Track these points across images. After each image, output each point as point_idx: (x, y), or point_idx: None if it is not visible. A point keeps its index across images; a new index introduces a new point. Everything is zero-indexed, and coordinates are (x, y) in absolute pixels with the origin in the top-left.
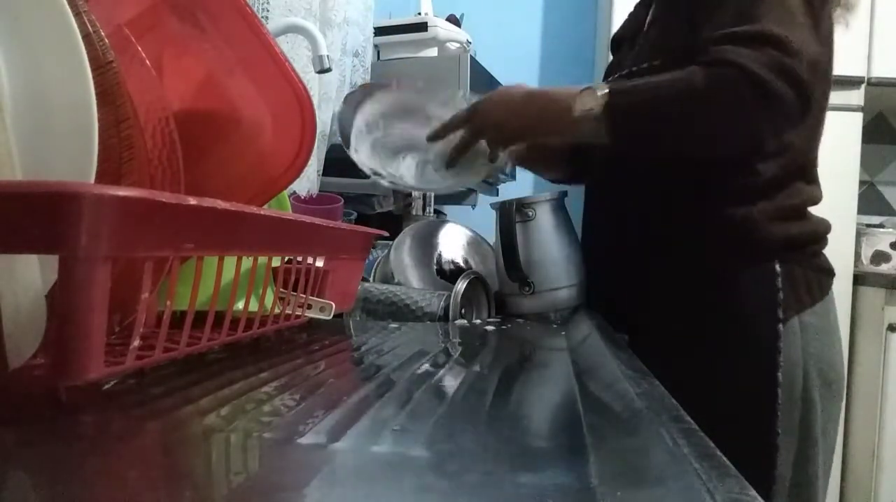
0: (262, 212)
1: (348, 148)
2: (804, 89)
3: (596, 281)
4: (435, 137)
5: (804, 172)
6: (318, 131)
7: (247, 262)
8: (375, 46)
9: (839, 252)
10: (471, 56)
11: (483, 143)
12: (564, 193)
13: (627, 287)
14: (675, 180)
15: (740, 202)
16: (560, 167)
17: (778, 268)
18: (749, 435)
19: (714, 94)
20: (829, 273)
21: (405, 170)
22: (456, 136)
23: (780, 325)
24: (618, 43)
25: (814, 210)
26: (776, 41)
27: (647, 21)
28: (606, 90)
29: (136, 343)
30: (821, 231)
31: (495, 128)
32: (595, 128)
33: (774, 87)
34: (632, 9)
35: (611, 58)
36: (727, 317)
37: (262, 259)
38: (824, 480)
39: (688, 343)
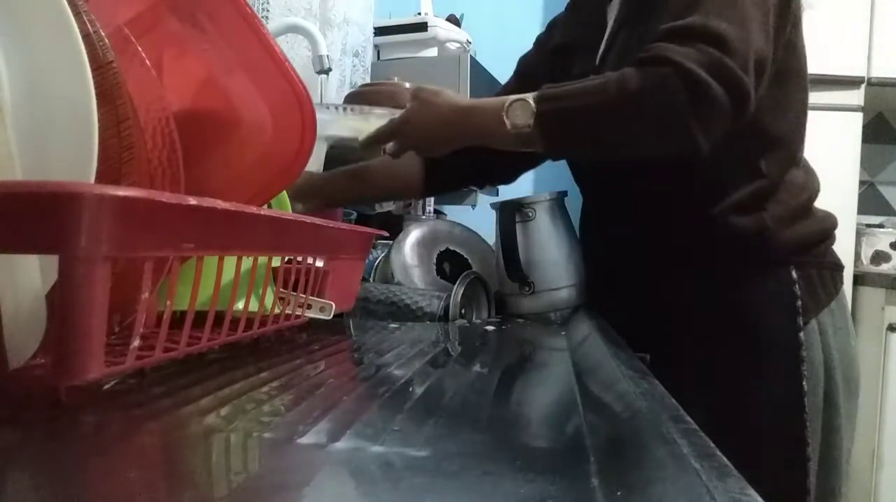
0: (262, 212)
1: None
2: (739, 88)
3: (606, 299)
4: (366, 147)
5: (796, 160)
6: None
7: (247, 262)
8: (375, 46)
9: (839, 252)
10: (471, 56)
11: None
12: (564, 193)
13: (644, 303)
14: (680, 189)
15: (751, 208)
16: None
17: (794, 273)
18: (782, 449)
19: (644, 94)
20: (839, 268)
21: None
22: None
23: (801, 333)
24: (568, 49)
25: (817, 204)
26: (715, 37)
27: (612, 19)
28: (534, 97)
29: (136, 343)
30: (829, 226)
31: (425, 140)
32: (529, 138)
33: (707, 85)
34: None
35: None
36: (747, 331)
37: (262, 259)
38: (845, 486)
39: (710, 362)
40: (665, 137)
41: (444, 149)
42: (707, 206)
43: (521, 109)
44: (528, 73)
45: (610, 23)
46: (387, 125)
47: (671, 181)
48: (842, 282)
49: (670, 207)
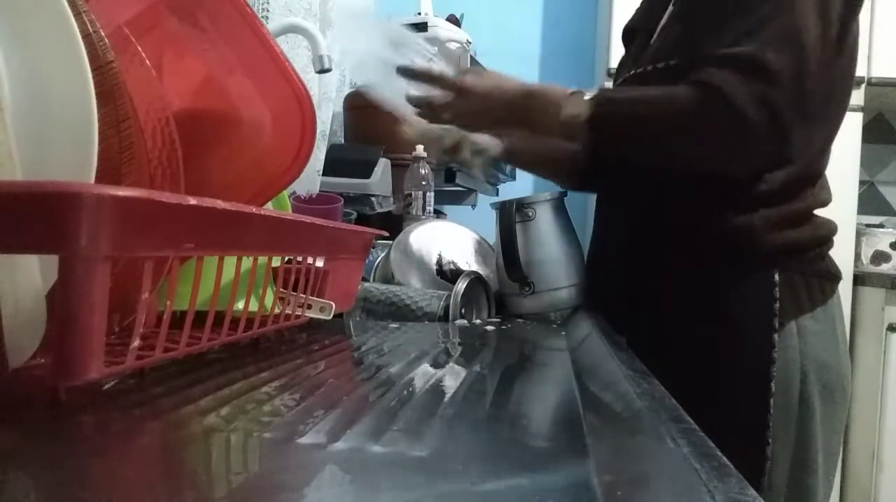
0: (262, 212)
1: None
2: (778, 122)
3: (598, 283)
4: (408, 75)
5: (811, 181)
6: (318, 131)
7: (247, 262)
8: None
9: (839, 252)
10: (471, 56)
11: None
12: (564, 193)
13: (628, 289)
14: (678, 185)
15: (742, 210)
16: (565, 175)
17: (777, 277)
18: (739, 443)
19: (691, 119)
20: (832, 277)
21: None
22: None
23: (776, 335)
24: (630, 34)
25: (818, 211)
26: (766, 70)
27: (666, 14)
28: (593, 96)
29: (136, 343)
30: (824, 234)
31: (478, 114)
32: (576, 133)
33: (748, 121)
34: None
35: (620, 50)
36: (721, 326)
37: (262, 259)
38: (826, 488)
39: (682, 350)
40: (699, 162)
41: (492, 126)
42: (702, 204)
43: (578, 101)
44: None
45: (668, 11)
46: (445, 72)
47: (678, 179)
48: (833, 292)
49: (669, 198)
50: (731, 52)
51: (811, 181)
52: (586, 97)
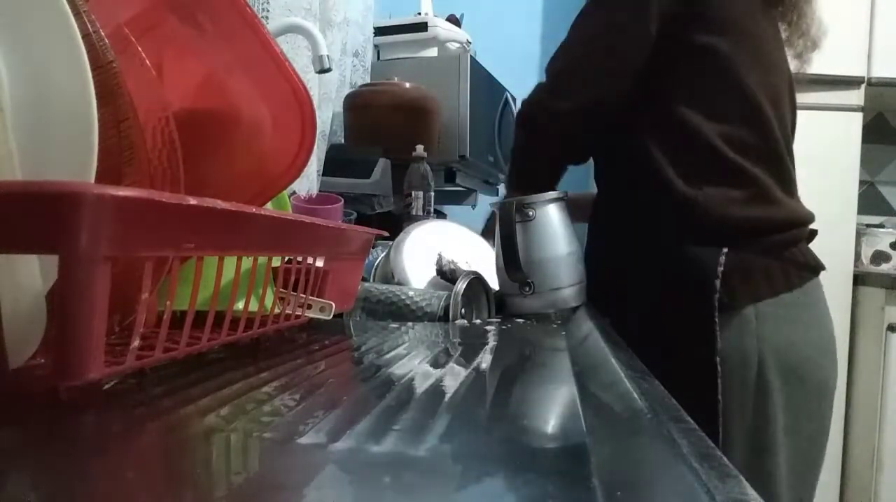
0: (262, 212)
1: None
2: (526, 113)
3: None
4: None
5: (766, 161)
6: (318, 131)
7: (247, 262)
8: (375, 46)
9: (839, 252)
10: (471, 56)
11: None
12: (564, 193)
13: (604, 270)
14: (639, 160)
15: (691, 184)
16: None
17: (723, 255)
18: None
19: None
20: (802, 267)
21: None
22: None
23: (717, 313)
24: None
25: (810, 206)
26: (546, 80)
27: None
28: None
29: (136, 343)
30: (783, 218)
31: None
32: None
33: (526, 118)
34: None
35: None
36: (669, 301)
37: (262, 259)
38: (792, 475)
39: (642, 325)
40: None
41: None
42: (656, 176)
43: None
44: None
45: None
46: None
47: (635, 150)
48: (806, 282)
49: (634, 176)
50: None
51: (766, 164)
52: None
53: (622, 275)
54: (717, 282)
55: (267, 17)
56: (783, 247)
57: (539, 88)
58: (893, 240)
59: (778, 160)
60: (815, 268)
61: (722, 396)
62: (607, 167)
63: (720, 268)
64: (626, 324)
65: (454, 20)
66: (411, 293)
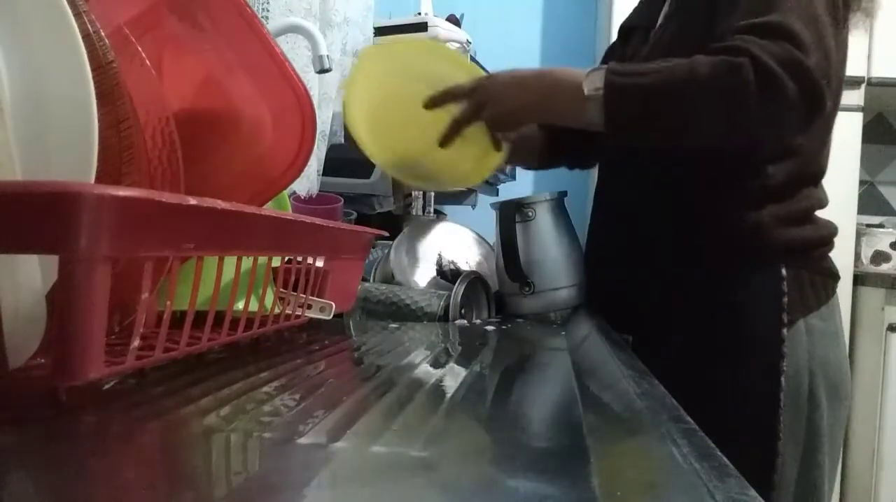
0: (262, 212)
1: None
2: (814, 89)
3: (598, 280)
4: (433, 104)
5: (814, 178)
6: (318, 131)
7: (247, 262)
8: None
9: (839, 252)
10: (471, 56)
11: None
12: (564, 193)
13: (632, 286)
14: (686, 180)
15: (750, 206)
16: (532, 157)
17: (784, 271)
18: (750, 439)
19: (714, 79)
20: (834, 276)
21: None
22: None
23: (785, 329)
24: (627, 32)
25: (818, 212)
26: (792, 35)
27: (662, 13)
28: (612, 68)
29: (136, 343)
30: (826, 234)
31: (500, 103)
32: (594, 110)
33: (781, 80)
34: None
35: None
36: (731, 320)
37: (262, 259)
38: (830, 484)
39: (691, 345)
40: (727, 126)
41: (518, 116)
42: (710, 199)
43: (598, 76)
44: (608, 59)
45: (665, 7)
46: (462, 83)
47: (682, 167)
48: (834, 291)
49: (674, 192)
50: (754, 21)
51: (814, 180)
52: (604, 70)
53: (666, 295)
54: (785, 300)
55: (267, 17)
56: (822, 258)
57: (819, 67)
58: (893, 240)
59: (824, 173)
60: (839, 276)
61: (782, 414)
62: (667, 177)
63: (783, 283)
64: (662, 344)
65: (454, 20)
66: (411, 293)
